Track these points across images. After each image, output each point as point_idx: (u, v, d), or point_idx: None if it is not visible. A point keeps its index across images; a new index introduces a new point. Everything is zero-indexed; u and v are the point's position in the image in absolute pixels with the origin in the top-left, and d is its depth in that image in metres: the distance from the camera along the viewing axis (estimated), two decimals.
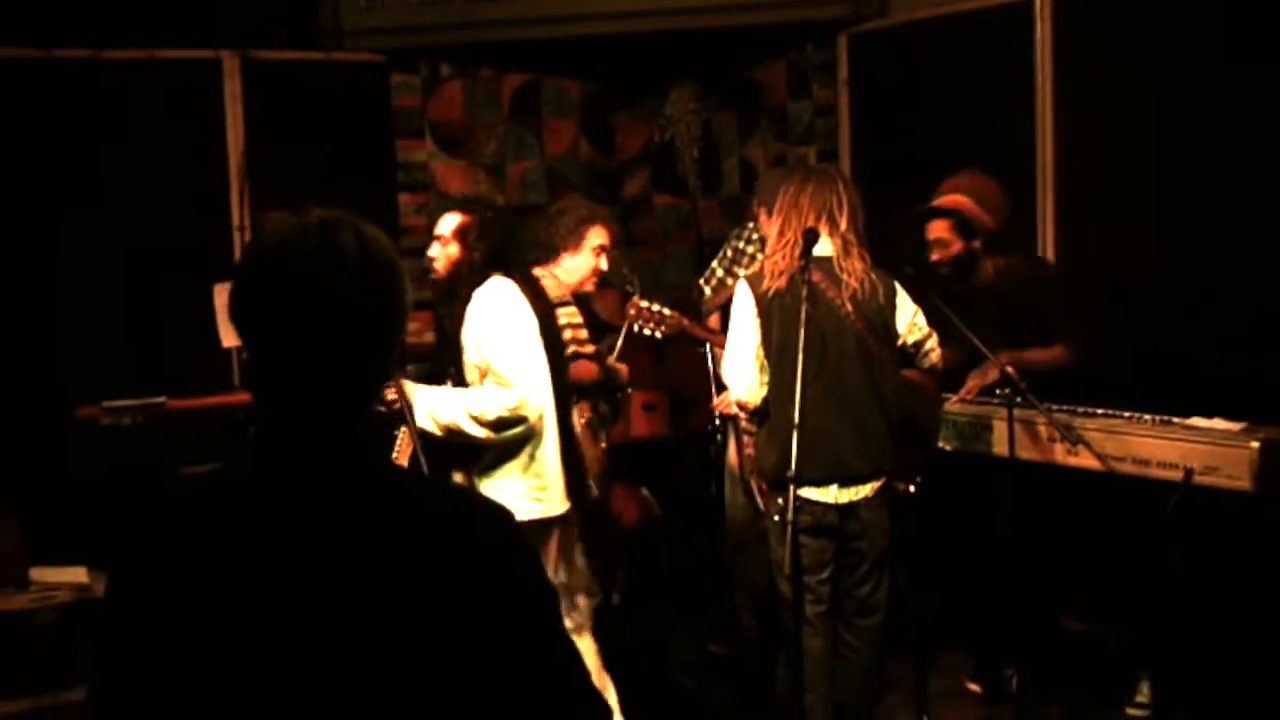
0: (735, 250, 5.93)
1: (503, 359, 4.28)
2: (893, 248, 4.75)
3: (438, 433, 4.23)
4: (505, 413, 4.23)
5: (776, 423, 4.32)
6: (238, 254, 6.35)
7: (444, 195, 7.24)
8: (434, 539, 1.67)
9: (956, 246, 5.05)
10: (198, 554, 1.66)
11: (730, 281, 5.83)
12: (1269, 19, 5.11)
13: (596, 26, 7.00)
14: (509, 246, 4.57)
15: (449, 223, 4.56)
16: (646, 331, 5.31)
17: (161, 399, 5.47)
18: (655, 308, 5.29)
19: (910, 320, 4.40)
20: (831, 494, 4.29)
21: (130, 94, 6.40)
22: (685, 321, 5.37)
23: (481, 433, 4.25)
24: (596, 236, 4.94)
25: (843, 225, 4.33)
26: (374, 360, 1.73)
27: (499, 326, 4.31)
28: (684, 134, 7.59)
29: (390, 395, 4.14)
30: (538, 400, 4.31)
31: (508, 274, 4.46)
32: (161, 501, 1.74)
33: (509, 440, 4.32)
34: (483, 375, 4.33)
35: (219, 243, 6.44)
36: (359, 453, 1.71)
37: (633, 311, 5.32)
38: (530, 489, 4.37)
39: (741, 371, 4.44)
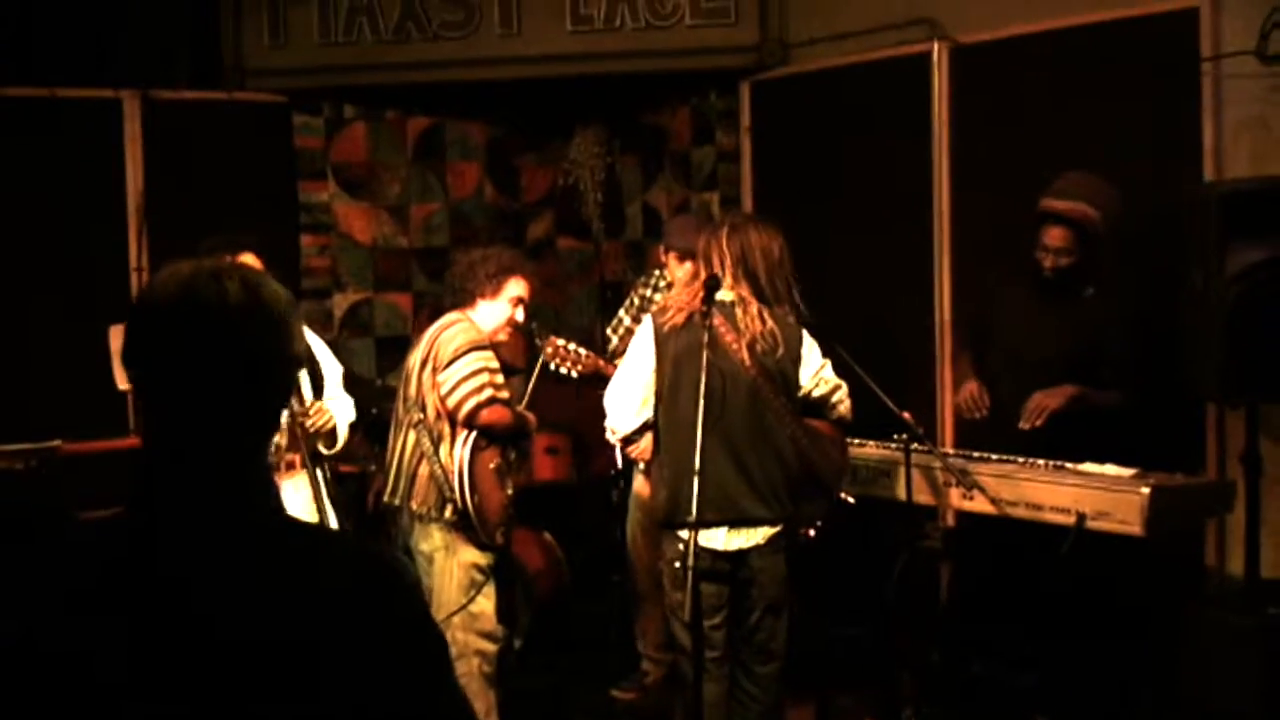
0: (643, 298, 5.96)
1: None
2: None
3: None
4: None
5: (665, 461, 4.35)
6: (134, 295, 6.27)
7: (346, 236, 7.22)
8: (316, 591, 1.66)
9: (1076, 256, 4.89)
10: (63, 609, 1.63)
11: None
12: (1165, 74, 5.28)
13: (502, 71, 7.03)
14: None
15: None
16: (563, 370, 5.33)
17: (55, 443, 5.38)
18: (572, 347, 5.31)
19: (815, 373, 4.42)
20: (721, 538, 4.29)
21: (30, 132, 6.32)
22: (600, 362, 5.40)
23: None
24: (515, 287, 4.96)
25: (744, 276, 4.37)
26: (259, 408, 1.74)
27: None
28: (588, 178, 7.64)
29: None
30: None
31: None
32: (28, 555, 1.71)
33: None
34: None
35: (116, 284, 6.37)
36: (244, 500, 1.71)
37: (549, 350, 5.32)
38: None
39: (625, 402, 4.47)
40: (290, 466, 4.54)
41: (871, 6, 6.37)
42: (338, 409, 4.74)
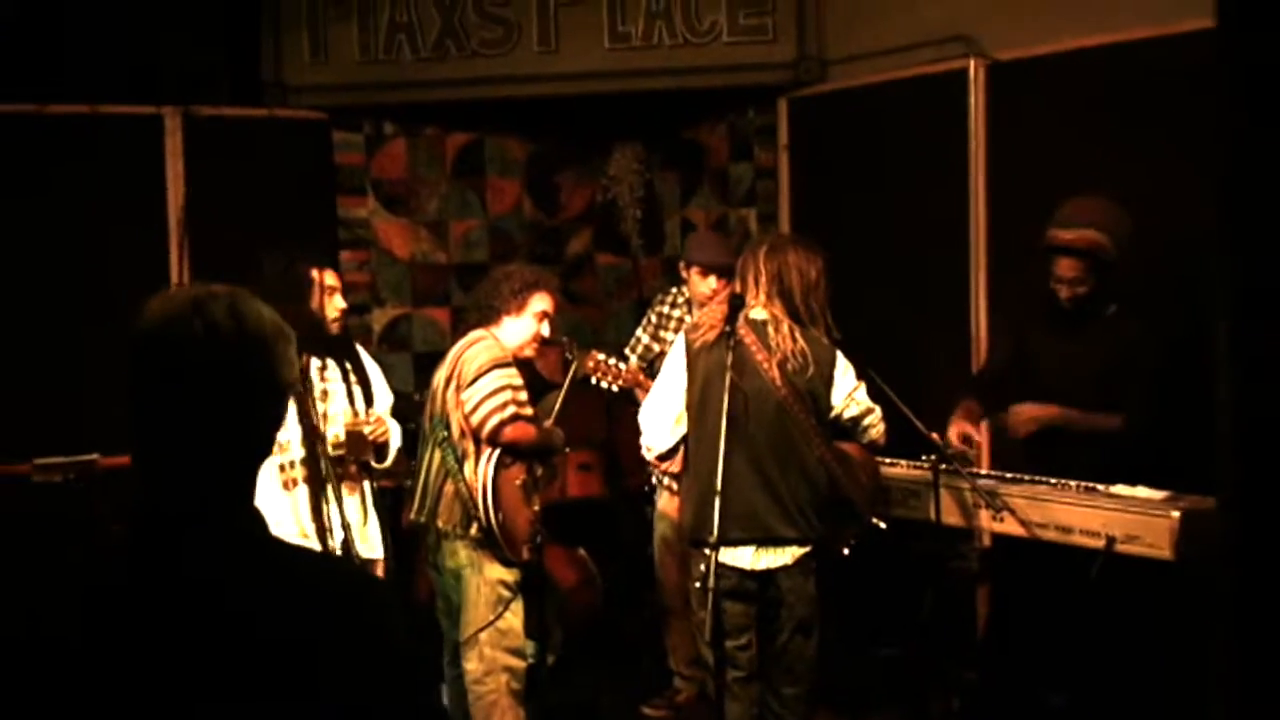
0: (660, 315, 5.96)
1: None
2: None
3: None
4: None
5: (692, 478, 4.35)
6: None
7: (385, 252, 7.26)
8: (303, 612, 1.68)
9: (1090, 284, 4.82)
10: (68, 629, 1.67)
11: (657, 347, 5.86)
12: (1194, 93, 5.21)
13: (541, 88, 7.05)
14: None
15: None
16: (604, 385, 5.36)
17: (93, 456, 5.43)
18: (612, 361, 5.35)
19: (848, 395, 4.42)
20: (748, 557, 4.28)
21: (73, 148, 6.38)
22: (641, 376, 5.42)
23: None
24: (540, 302, 4.98)
25: (778, 295, 4.38)
26: (249, 434, 1.77)
27: None
28: (627, 194, 7.64)
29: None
30: None
31: None
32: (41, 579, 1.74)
33: None
34: None
35: None
36: (234, 525, 1.73)
37: (590, 364, 5.37)
38: None
39: (659, 419, 4.48)
40: (343, 479, 4.57)
41: (909, 23, 6.35)
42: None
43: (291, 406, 4.40)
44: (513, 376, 4.80)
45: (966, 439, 4.99)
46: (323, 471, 4.40)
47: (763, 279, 4.42)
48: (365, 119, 7.23)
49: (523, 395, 4.83)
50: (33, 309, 6.19)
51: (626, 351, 6.01)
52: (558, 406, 5.15)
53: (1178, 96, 5.28)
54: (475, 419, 4.71)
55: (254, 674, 1.63)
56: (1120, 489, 4.51)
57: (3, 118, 6.24)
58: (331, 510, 4.36)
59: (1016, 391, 5.00)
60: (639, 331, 6.04)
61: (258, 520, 1.77)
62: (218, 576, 1.69)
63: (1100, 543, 4.31)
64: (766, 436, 4.29)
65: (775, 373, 4.29)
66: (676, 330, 5.80)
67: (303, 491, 4.43)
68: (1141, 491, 4.47)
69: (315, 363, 4.63)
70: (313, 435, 4.41)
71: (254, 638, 1.65)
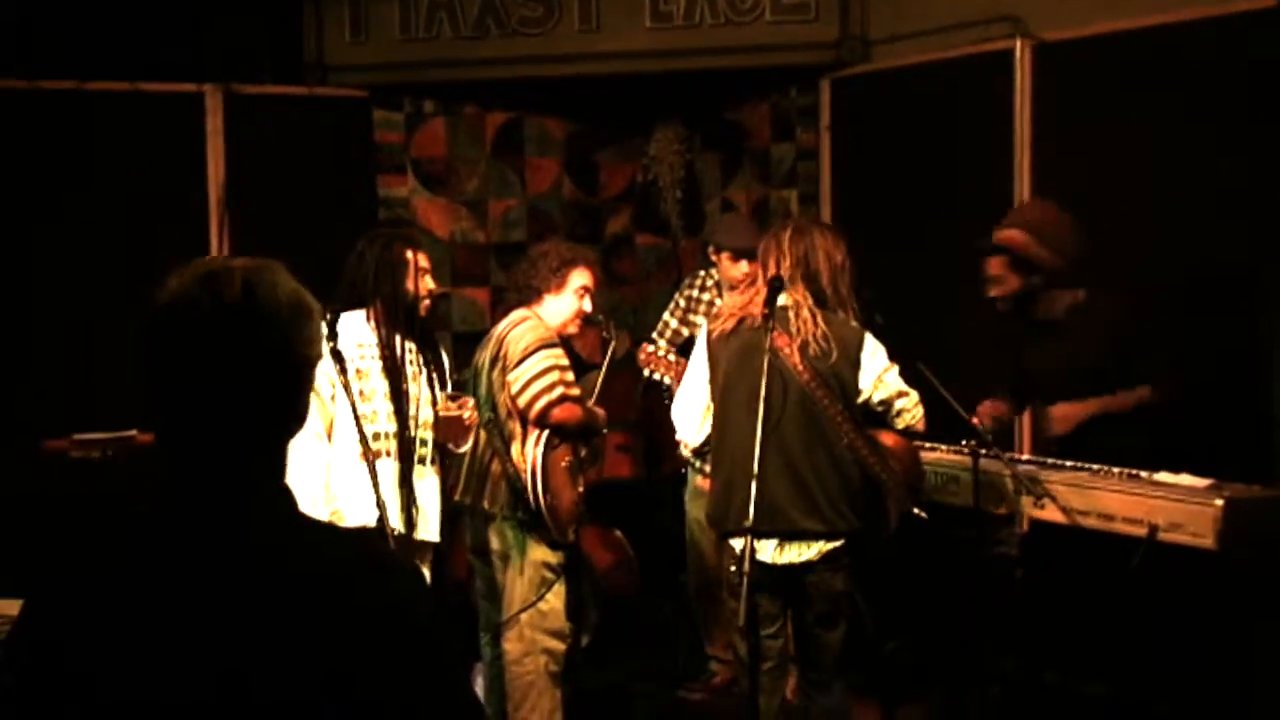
0: (689, 299, 5.91)
1: None
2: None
3: None
4: None
5: (715, 468, 4.30)
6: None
7: (425, 231, 7.25)
8: (327, 595, 1.67)
9: (1013, 284, 4.85)
10: (90, 606, 1.67)
11: (685, 331, 5.83)
12: (1247, 75, 5.14)
13: (581, 67, 7.02)
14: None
15: None
16: (657, 376, 5.37)
17: (132, 432, 5.45)
18: (663, 353, 5.37)
19: (877, 377, 4.33)
20: (770, 551, 4.22)
21: (113, 126, 6.40)
22: None
23: None
24: (579, 278, 4.96)
25: (802, 279, 4.31)
26: (266, 410, 1.75)
27: None
28: (667, 174, 7.60)
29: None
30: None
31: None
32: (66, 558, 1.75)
33: None
34: None
35: None
36: (256, 503, 1.72)
37: (643, 356, 5.47)
38: None
39: (688, 412, 4.44)
40: (422, 461, 4.64)
41: (953, 3, 6.28)
42: None
43: (383, 381, 4.46)
44: (559, 357, 4.79)
45: (997, 419, 4.96)
46: (412, 449, 4.51)
47: (786, 262, 4.33)
48: (405, 97, 7.22)
49: (570, 375, 4.82)
50: (74, 287, 6.22)
51: (654, 335, 5.95)
52: (598, 387, 5.12)
53: (1229, 79, 5.21)
54: (523, 400, 4.70)
55: (279, 652, 1.62)
56: (1164, 476, 4.44)
57: (44, 94, 6.27)
58: (415, 487, 4.46)
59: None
60: (666, 315, 5.99)
61: (284, 498, 1.75)
62: (239, 555, 1.67)
63: (1143, 531, 4.24)
64: (793, 425, 4.20)
65: (797, 358, 4.19)
66: (706, 314, 5.76)
67: (385, 465, 4.46)
68: (1185, 479, 4.40)
69: (408, 345, 4.65)
70: (404, 411, 4.46)
71: (278, 615, 1.63)
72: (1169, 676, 4.64)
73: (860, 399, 4.31)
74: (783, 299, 4.28)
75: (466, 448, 4.74)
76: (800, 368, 4.20)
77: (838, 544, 4.25)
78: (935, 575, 5.08)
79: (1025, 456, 5.20)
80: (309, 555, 1.71)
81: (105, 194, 6.33)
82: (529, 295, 4.98)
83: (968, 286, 6.02)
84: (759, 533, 4.15)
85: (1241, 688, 4.50)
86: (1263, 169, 5.07)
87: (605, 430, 5.25)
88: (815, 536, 4.23)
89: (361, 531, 4.11)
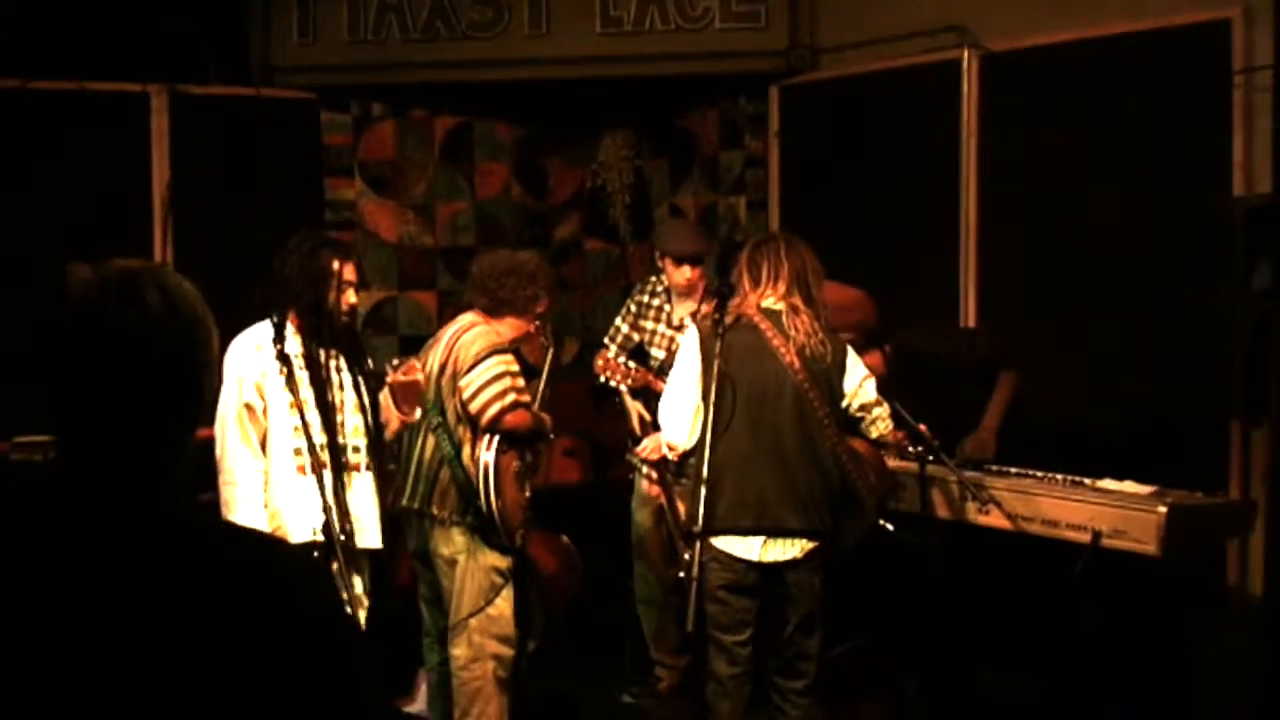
0: (639, 305, 5.91)
1: None
2: None
3: None
4: None
5: (701, 467, 4.31)
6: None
7: (371, 234, 7.22)
8: (230, 594, 1.65)
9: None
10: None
11: (636, 337, 5.84)
12: (1192, 86, 5.22)
13: (531, 71, 7.02)
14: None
15: None
16: (613, 383, 5.37)
17: None
18: (622, 360, 5.42)
19: (859, 383, 4.40)
20: (755, 549, 4.24)
21: (58, 125, 6.33)
22: (649, 377, 5.43)
23: None
24: (542, 306, 4.99)
25: (798, 288, 4.37)
26: (176, 411, 1.74)
27: None
28: (616, 180, 7.59)
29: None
30: None
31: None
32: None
33: None
34: None
35: None
36: (160, 501, 1.71)
37: (600, 363, 5.46)
38: None
39: (677, 415, 4.43)
40: (355, 469, 4.49)
41: (902, 12, 6.32)
42: None
43: (311, 393, 4.38)
44: (510, 363, 4.78)
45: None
46: (341, 460, 4.38)
47: (784, 270, 4.39)
48: (353, 100, 7.18)
49: (521, 382, 4.81)
50: (14, 287, 6.12)
51: (606, 340, 5.95)
52: (540, 391, 5.10)
53: (1170, 90, 5.28)
54: (475, 405, 4.68)
55: (170, 646, 1.60)
56: (1107, 483, 4.50)
57: None
58: (348, 496, 4.36)
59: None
60: (618, 320, 5.98)
61: (186, 496, 1.74)
62: (139, 551, 1.65)
63: (1086, 537, 4.28)
64: (786, 423, 4.26)
65: (794, 358, 4.25)
66: (656, 319, 5.78)
67: (325, 477, 4.37)
68: (1128, 486, 4.45)
69: (331, 354, 4.56)
70: (332, 421, 4.38)
71: (175, 611, 1.61)
72: (1108, 679, 4.69)
73: (844, 402, 4.36)
74: (775, 304, 4.32)
75: (417, 416, 4.67)
76: (797, 367, 4.24)
77: (818, 544, 4.28)
78: (881, 580, 5.11)
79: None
80: (208, 558, 1.70)
81: (48, 194, 6.25)
82: (496, 309, 4.94)
83: (913, 294, 6.10)
84: (746, 530, 4.18)
85: (1182, 691, 4.56)
86: (1206, 177, 5.15)
87: (552, 436, 5.24)
88: (799, 534, 4.25)
89: (264, 535, 4.06)
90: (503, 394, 4.68)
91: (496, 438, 4.71)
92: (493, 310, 4.93)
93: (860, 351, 4.66)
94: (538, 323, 5.02)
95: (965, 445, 4.99)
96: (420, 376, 4.53)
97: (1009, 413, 4.95)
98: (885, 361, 5.09)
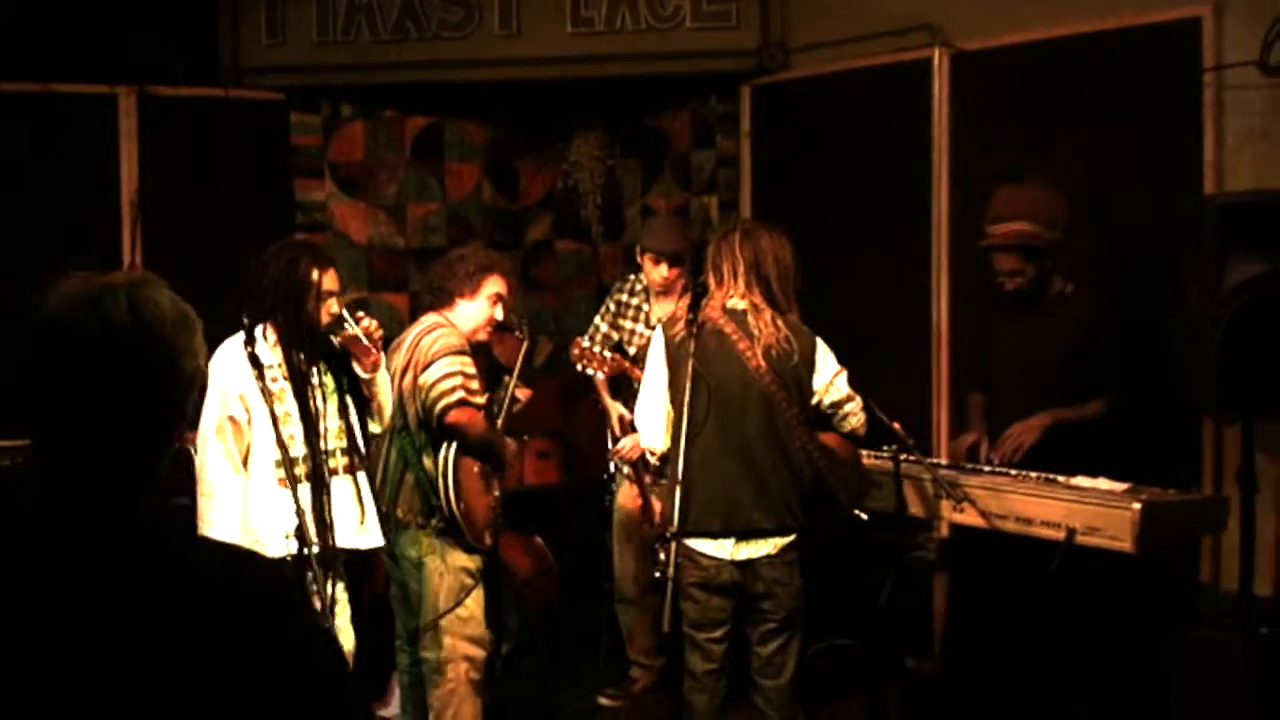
0: (619, 304, 5.91)
1: None
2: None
3: None
4: None
5: (674, 469, 4.30)
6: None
7: (342, 236, 7.18)
8: (207, 609, 1.66)
9: (1030, 273, 4.93)
10: None
11: (615, 336, 5.83)
12: (1163, 84, 5.24)
13: (502, 72, 6.99)
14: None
15: None
16: (590, 371, 5.34)
17: None
18: (597, 349, 5.37)
19: (829, 380, 4.36)
20: (727, 549, 4.23)
21: (25, 127, 6.28)
22: (626, 365, 5.41)
23: None
24: (494, 285, 4.91)
25: (756, 282, 4.33)
26: (148, 424, 1.75)
27: None
28: (587, 180, 7.60)
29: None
30: None
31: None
32: None
33: None
34: None
35: None
36: (132, 512, 1.71)
37: (576, 351, 5.40)
38: None
39: (653, 417, 4.42)
40: (335, 473, 4.47)
41: (873, 12, 6.32)
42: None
43: (295, 405, 4.34)
44: (466, 364, 4.74)
45: (973, 451, 5.04)
46: (323, 469, 4.35)
47: (740, 267, 4.35)
48: (323, 101, 7.15)
49: (474, 384, 4.76)
50: None
51: (584, 339, 5.93)
52: (512, 386, 5.05)
53: (1142, 88, 5.30)
54: (426, 402, 4.67)
55: (141, 650, 1.60)
56: (1081, 480, 4.50)
57: None
58: (331, 506, 4.33)
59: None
60: (597, 319, 5.98)
61: (162, 511, 1.76)
62: (113, 562, 1.65)
63: (1061, 534, 4.29)
64: (753, 426, 4.23)
65: (760, 361, 4.21)
66: (635, 318, 5.78)
67: (304, 489, 4.32)
68: (1102, 483, 4.46)
69: (314, 365, 4.52)
70: (315, 434, 4.35)
71: (146, 621, 1.62)
72: (1085, 677, 4.70)
73: (813, 401, 4.33)
74: (739, 303, 4.30)
75: (380, 375, 4.61)
76: (763, 370, 4.21)
77: (790, 539, 4.26)
78: (855, 578, 5.10)
79: (945, 461, 5.26)
80: (188, 573, 1.70)
81: (15, 196, 6.20)
82: (442, 298, 4.93)
83: (887, 292, 6.11)
84: (716, 533, 4.17)
85: (1158, 686, 4.57)
86: (1177, 175, 5.17)
87: (513, 465, 5.19)
88: (770, 534, 4.24)
89: (234, 547, 4.02)
90: (450, 390, 4.63)
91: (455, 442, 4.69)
92: (441, 301, 4.91)
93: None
94: (503, 314, 4.95)
95: (1013, 428, 4.94)
96: (373, 327, 4.47)
97: (1071, 427, 4.87)
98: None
